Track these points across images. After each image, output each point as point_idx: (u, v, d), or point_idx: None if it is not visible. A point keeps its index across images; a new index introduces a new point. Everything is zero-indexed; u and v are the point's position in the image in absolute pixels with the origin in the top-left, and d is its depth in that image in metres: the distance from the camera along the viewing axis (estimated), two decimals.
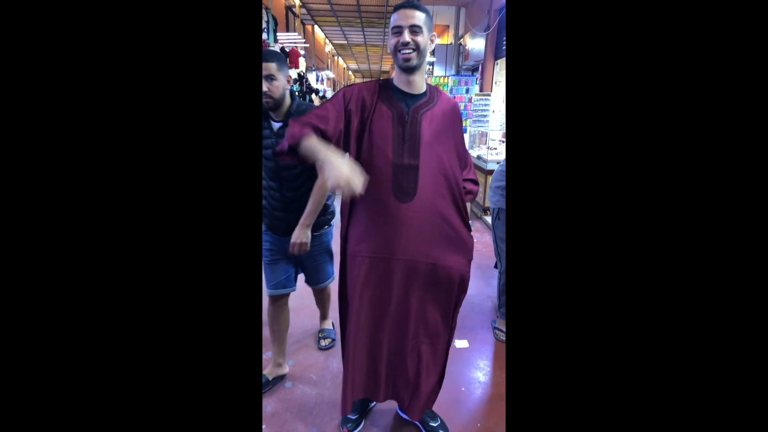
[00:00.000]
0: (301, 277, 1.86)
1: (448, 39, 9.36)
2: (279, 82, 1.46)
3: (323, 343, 2.07)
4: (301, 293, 2.03)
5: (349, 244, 1.37)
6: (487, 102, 6.28)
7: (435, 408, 1.55)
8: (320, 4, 8.98)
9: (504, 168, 2.13)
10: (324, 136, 1.21)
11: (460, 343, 2.14)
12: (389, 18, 1.26)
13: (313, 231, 1.63)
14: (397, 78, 1.28)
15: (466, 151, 1.41)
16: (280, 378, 1.80)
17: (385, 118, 1.26)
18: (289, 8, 8.23)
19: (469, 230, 1.37)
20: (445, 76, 7.73)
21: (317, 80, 10.20)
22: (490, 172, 4.20)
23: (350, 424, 1.54)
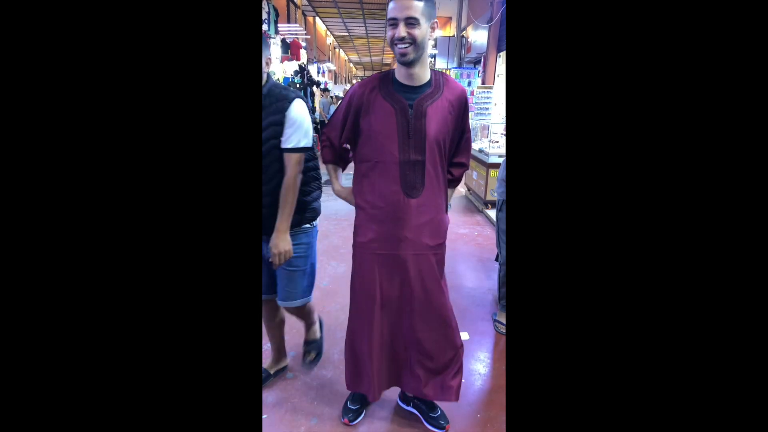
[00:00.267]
0: None
1: (450, 31, 9.30)
2: None
3: (308, 358, 1.78)
4: None
5: (358, 238, 1.38)
6: (489, 95, 6.27)
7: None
8: None
9: None
10: (332, 144, 1.38)
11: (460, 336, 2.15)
12: None
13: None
14: (398, 71, 1.25)
15: (469, 139, 1.41)
16: (281, 370, 1.81)
17: (388, 115, 1.25)
18: None
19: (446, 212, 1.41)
20: (447, 69, 7.70)
21: (318, 72, 10.15)
22: (492, 165, 4.18)
23: (351, 414, 1.55)
